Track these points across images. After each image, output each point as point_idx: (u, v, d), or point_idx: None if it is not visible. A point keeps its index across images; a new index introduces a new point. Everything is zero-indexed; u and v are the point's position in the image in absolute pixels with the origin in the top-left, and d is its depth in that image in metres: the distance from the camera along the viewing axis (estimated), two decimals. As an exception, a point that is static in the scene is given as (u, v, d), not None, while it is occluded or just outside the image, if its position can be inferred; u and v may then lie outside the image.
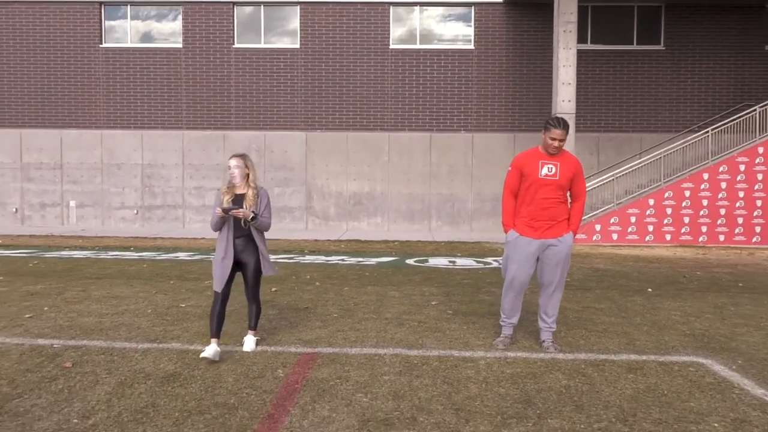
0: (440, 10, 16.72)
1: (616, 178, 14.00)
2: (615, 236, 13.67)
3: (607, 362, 4.59)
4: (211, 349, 4.39)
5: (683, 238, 13.70)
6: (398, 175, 16.73)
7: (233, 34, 16.63)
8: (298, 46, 16.62)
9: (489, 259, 10.92)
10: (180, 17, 16.68)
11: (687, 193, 13.70)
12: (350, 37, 16.54)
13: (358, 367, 4.36)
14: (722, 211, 13.67)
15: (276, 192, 16.77)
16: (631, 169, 14.18)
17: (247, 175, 4.68)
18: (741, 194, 13.67)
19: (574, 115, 13.34)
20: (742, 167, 13.68)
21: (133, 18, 16.80)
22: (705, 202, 13.69)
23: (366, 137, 16.68)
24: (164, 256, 10.89)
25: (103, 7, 16.69)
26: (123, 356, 4.57)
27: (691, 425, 3.41)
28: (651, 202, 13.71)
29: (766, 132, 13.84)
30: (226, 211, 4.51)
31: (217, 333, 4.52)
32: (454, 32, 16.75)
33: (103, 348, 4.78)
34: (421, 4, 16.61)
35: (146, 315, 5.99)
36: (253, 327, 4.87)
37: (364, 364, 4.45)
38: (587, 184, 13.98)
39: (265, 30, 16.75)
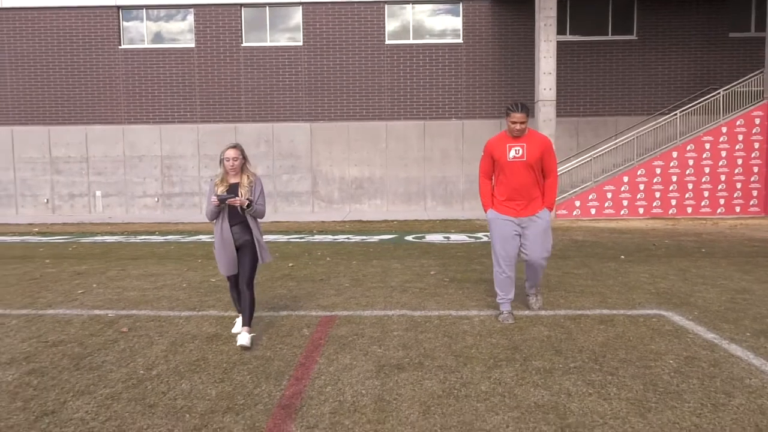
0: (431, 7, 16.93)
1: (594, 158, 14.38)
2: (593, 211, 14.08)
3: (583, 317, 5.01)
4: (239, 325, 4.54)
5: (655, 211, 14.12)
6: (395, 160, 17.07)
7: (241, 33, 16.84)
8: (301, 43, 16.85)
9: (480, 234, 11.32)
10: (192, 19, 16.88)
11: (658, 171, 14.09)
12: (349, 34, 16.77)
13: (371, 326, 4.78)
14: (690, 186, 14.08)
15: (284, 178, 17.12)
16: (606, 150, 14.55)
17: (243, 164, 4.45)
18: (707, 170, 14.07)
19: (554, 101, 13.69)
20: (707, 146, 14.06)
21: (148, 20, 16.99)
22: (674, 178, 14.09)
23: (365, 126, 16.99)
24: (188, 239, 11.28)
25: (120, 10, 16.86)
26: (169, 322, 4.98)
27: (651, 362, 3.84)
28: (625, 179, 14.10)
29: (729, 113, 14.21)
30: (222, 200, 4.29)
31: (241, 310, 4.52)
32: (444, 28, 16.99)
33: (151, 316, 5.19)
34: (414, 2, 16.82)
35: (182, 289, 6.40)
36: (248, 323, 4.33)
37: (375, 323, 4.87)
38: (568, 165, 14.44)
39: (271, 29, 16.97)
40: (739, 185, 14.05)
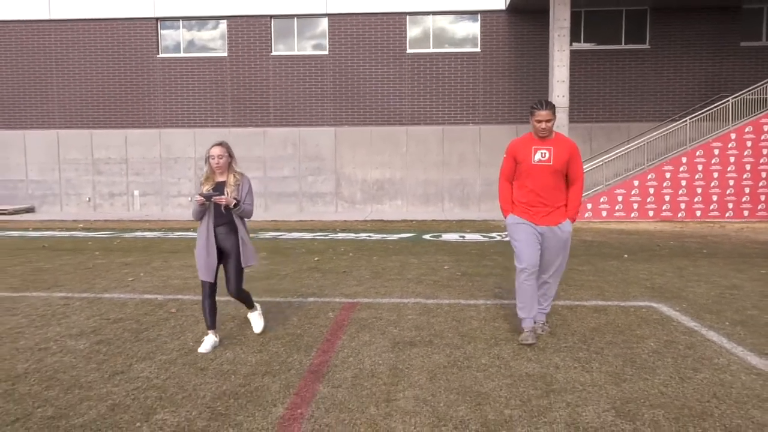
0: (450, 18, 17.39)
1: (605, 162, 14.69)
2: (604, 213, 14.38)
3: (579, 306, 5.45)
4: (208, 343, 4.16)
5: (664, 214, 14.37)
6: (415, 163, 17.55)
7: (271, 43, 17.49)
8: (326, 52, 17.44)
9: (494, 234, 11.75)
10: (224, 29, 17.58)
11: (668, 175, 14.33)
12: (372, 43, 17.31)
13: (389, 311, 5.28)
14: (699, 190, 14.30)
15: (309, 180, 17.72)
16: (617, 155, 14.84)
17: (229, 162, 4.25)
18: (715, 175, 14.27)
19: (567, 108, 14.02)
20: (716, 151, 14.26)
21: (184, 31, 17.74)
22: (683, 183, 14.32)
23: (387, 131, 17.50)
24: (221, 235, 11.88)
25: (158, 22, 17.64)
26: (211, 305, 5.54)
27: (633, 344, 4.28)
28: (636, 183, 14.37)
29: (737, 120, 14.40)
30: (207, 197, 4.06)
31: (212, 325, 4.22)
32: (463, 37, 17.42)
33: (195, 300, 5.76)
34: (434, 14, 17.29)
35: (220, 278, 6.97)
36: (251, 306, 4.53)
37: (392, 309, 5.37)
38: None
39: (298, 39, 17.59)
40: (747, 190, 14.22)
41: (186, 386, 3.48)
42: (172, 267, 7.77)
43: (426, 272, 7.29)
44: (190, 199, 3.51)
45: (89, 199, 18.10)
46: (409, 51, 17.35)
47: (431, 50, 17.37)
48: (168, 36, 17.79)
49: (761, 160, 14.20)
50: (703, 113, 14.71)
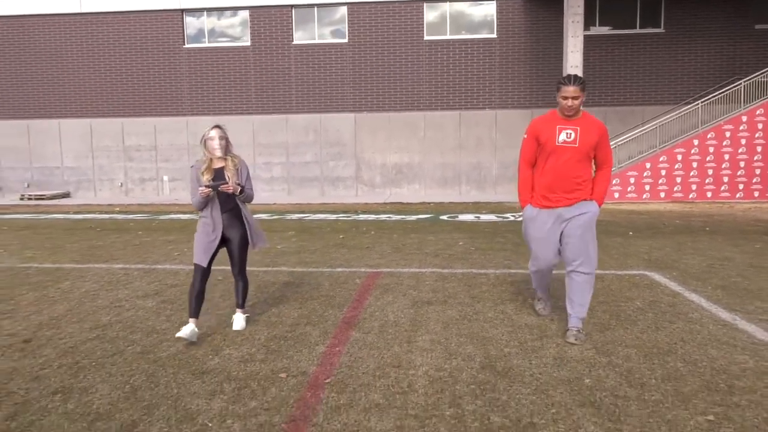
0: (467, 5, 17.88)
1: (618, 145, 15.16)
2: (616, 195, 14.90)
3: (579, 274, 6.11)
4: (188, 329, 3.92)
5: (676, 195, 14.85)
6: (432, 147, 18.17)
7: (292, 32, 18.17)
8: (346, 40, 18.07)
9: (508, 215, 12.39)
10: (247, 19, 18.29)
11: (679, 157, 14.79)
12: (390, 31, 17.90)
13: (408, 278, 6.02)
14: (710, 172, 14.74)
15: (330, 165, 18.46)
16: (630, 138, 15.32)
17: (226, 146, 4.15)
18: (726, 157, 14.69)
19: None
20: (727, 134, 14.67)
21: (209, 22, 18.50)
22: (695, 165, 14.77)
23: (405, 116, 18.13)
24: (249, 217, 12.72)
25: (184, 13, 18.41)
26: (252, 275, 6.31)
27: (621, 303, 4.96)
28: (648, 165, 14.86)
29: (749, 103, 14.77)
30: (213, 188, 4.01)
31: (196, 313, 4.05)
32: (479, 24, 17.91)
33: (237, 270, 6.55)
34: (450, 0, 17.79)
35: (256, 252, 7.76)
36: (242, 305, 4.40)
37: (411, 276, 6.11)
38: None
39: (319, 28, 18.24)
40: (758, 171, 14.63)
41: (243, 332, 4.25)
42: (211, 244, 8.58)
43: (442, 247, 8.01)
44: (202, 191, 3.51)
45: (121, 184, 19.07)
46: (426, 38, 17.90)
47: (448, 37, 17.89)
48: (193, 27, 18.56)
49: (772, 142, 14.58)
50: (715, 96, 15.09)
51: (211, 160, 4.13)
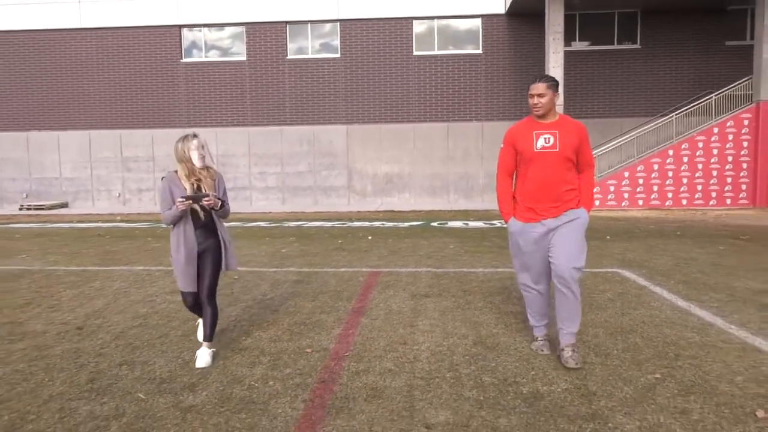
0: (453, 21, 18.74)
1: (598, 155, 16.02)
2: (597, 203, 15.73)
3: (559, 272, 6.85)
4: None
5: (653, 203, 15.72)
6: (422, 158, 18.94)
7: (286, 47, 18.89)
8: (338, 55, 18.83)
9: (495, 222, 13.14)
10: (243, 35, 18.99)
11: (655, 167, 15.68)
12: (381, 46, 18.70)
13: (406, 276, 6.71)
14: (684, 180, 15.64)
15: (323, 174, 19.15)
16: (609, 148, 16.19)
17: (205, 156, 3.84)
18: (699, 166, 15.60)
19: (563, 106, 15.39)
20: (700, 144, 15.59)
21: (206, 37, 19.17)
22: (670, 174, 15.66)
23: (395, 128, 18.90)
24: (249, 225, 13.36)
25: (181, 29, 19.07)
26: (263, 274, 6.97)
27: (594, 294, 5.68)
28: (626, 174, 15.73)
29: (721, 115, 15.72)
30: (195, 199, 3.66)
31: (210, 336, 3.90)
32: (465, 40, 18.77)
33: (250, 271, 7.19)
34: (438, 18, 18.64)
35: (264, 255, 8.43)
36: (209, 338, 3.85)
37: (409, 275, 6.80)
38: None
39: (312, 43, 18.99)
40: (729, 179, 15.56)
41: (267, 318, 4.91)
42: (219, 249, 9.22)
43: (435, 250, 8.71)
44: (181, 203, 3.30)
45: (119, 194, 19.58)
46: (415, 53, 18.71)
47: (436, 52, 18.72)
48: (191, 42, 19.21)
49: (742, 152, 15.53)
50: (688, 108, 16.04)
51: (189, 172, 3.79)
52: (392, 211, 16.34)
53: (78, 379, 3.59)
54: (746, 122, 15.45)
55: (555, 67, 15.33)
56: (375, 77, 18.80)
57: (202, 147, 3.81)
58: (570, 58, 17.75)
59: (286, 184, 19.23)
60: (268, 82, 18.97)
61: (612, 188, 15.75)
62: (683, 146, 15.62)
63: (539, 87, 3.67)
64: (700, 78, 18.13)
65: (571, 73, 17.78)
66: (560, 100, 15.31)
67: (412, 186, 19.06)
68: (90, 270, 7.37)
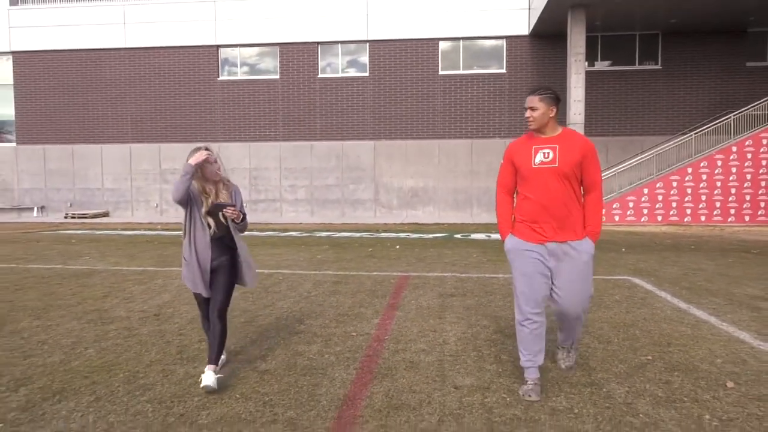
0: (479, 42, 19.58)
1: (618, 172, 16.62)
2: (617, 218, 16.30)
3: (573, 278, 7.53)
4: (209, 378, 3.49)
5: (672, 218, 16.22)
6: (446, 173, 19.71)
7: (318, 66, 19.92)
8: (367, 74, 19.77)
9: (516, 234, 13.77)
10: (277, 55, 20.08)
11: (674, 184, 16.20)
12: (408, 66, 19.60)
13: (433, 280, 7.46)
14: (703, 197, 16.13)
15: (351, 188, 20.02)
16: (629, 166, 16.77)
17: (219, 168, 3.76)
18: (718, 184, 16.09)
19: (583, 124, 16.04)
20: (719, 163, 16.09)
21: (241, 56, 20.31)
22: (689, 190, 16.16)
23: (421, 144, 19.72)
24: (283, 234, 14.23)
25: (219, 49, 20.25)
26: (304, 276, 7.78)
27: (604, 296, 6.36)
28: (645, 191, 16.28)
29: (739, 134, 16.21)
30: (219, 207, 3.58)
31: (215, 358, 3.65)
32: (490, 60, 19.58)
33: (292, 273, 8.01)
34: (464, 39, 19.50)
35: (303, 260, 9.25)
36: (215, 360, 3.57)
37: (436, 279, 7.55)
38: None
39: (342, 63, 19.99)
40: (747, 197, 16.00)
41: (315, 311, 5.71)
42: (260, 254, 10.08)
43: (459, 259, 9.44)
44: (155, 205, 3.52)
45: (156, 205, 20.70)
46: (441, 72, 19.57)
47: (461, 71, 19.55)
48: (227, 61, 20.37)
49: (761, 171, 15.98)
50: (708, 128, 16.57)
51: (206, 183, 3.71)
52: (417, 223, 17.09)
53: (169, 350, 4.41)
54: (765, 141, 15.92)
55: (577, 87, 16.01)
56: (402, 95, 19.68)
57: (215, 162, 3.70)
58: (592, 77, 18.42)
59: (315, 196, 20.14)
60: (299, 99, 19.99)
61: (632, 204, 16.30)
62: (702, 164, 16.13)
63: (532, 100, 3.53)
64: (719, 98, 18.63)
65: (592, 93, 18.43)
66: (581, 120, 15.96)
67: (436, 200, 19.81)
68: (150, 270, 8.27)
